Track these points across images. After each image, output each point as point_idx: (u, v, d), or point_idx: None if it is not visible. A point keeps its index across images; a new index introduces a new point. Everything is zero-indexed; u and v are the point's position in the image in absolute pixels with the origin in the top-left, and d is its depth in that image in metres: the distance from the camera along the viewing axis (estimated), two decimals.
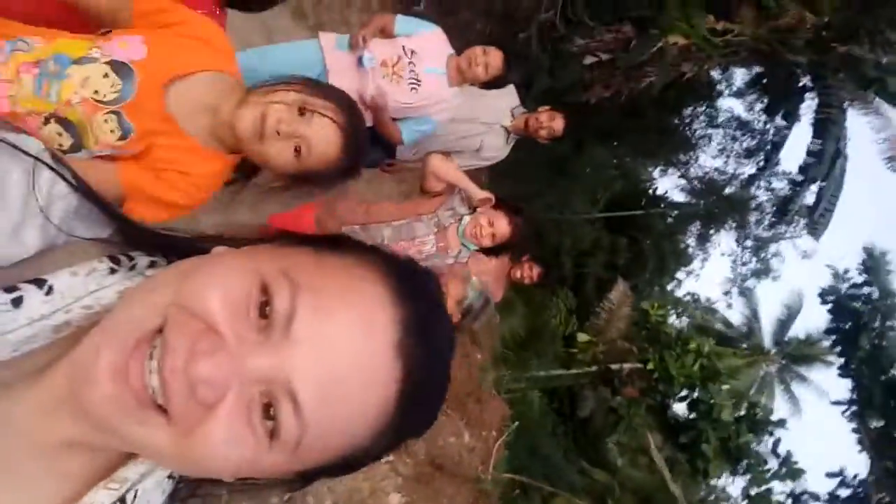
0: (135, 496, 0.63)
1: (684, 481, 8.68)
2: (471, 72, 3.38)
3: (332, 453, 0.57)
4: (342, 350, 0.53)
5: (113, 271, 0.65)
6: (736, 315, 16.14)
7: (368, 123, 3.29)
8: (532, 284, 5.06)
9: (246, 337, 0.54)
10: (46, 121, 1.51)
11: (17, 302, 0.58)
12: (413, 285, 0.59)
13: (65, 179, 0.66)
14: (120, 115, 1.53)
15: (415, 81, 3.30)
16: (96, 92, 1.51)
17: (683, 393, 10.21)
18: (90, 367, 0.53)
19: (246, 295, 0.54)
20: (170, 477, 0.64)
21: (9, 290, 0.59)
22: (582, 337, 11.34)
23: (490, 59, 3.37)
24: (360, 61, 3.25)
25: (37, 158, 0.65)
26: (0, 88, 1.48)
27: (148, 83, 1.54)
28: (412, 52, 3.33)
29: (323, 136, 1.57)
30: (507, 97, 4.01)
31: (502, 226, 3.37)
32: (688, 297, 16.59)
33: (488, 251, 3.47)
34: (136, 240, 0.69)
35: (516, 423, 8.06)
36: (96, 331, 0.57)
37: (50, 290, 0.60)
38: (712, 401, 9.86)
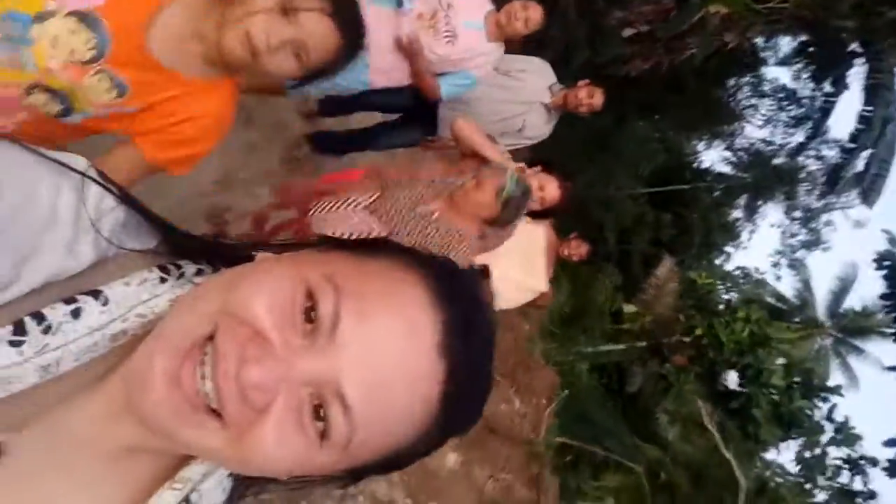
0: (199, 496, 0.66)
1: (737, 451, 8.68)
2: (510, 26, 3.36)
3: (381, 451, 0.59)
4: (386, 352, 0.56)
5: (163, 280, 0.67)
6: (787, 288, 15.90)
7: (407, 80, 3.41)
8: (580, 262, 5.16)
9: (293, 342, 0.56)
10: (29, 91, 1.44)
11: (76, 313, 0.61)
12: (453, 286, 0.61)
13: (112, 193, 0.69)
14: (109, 72, 1.46)
15: (451, 34, 3.29)
16: (72, 52, 1.41)
17: (733, 360, 10.18)
18: (145, 374, 0.56)
19: (291, 301, 0.57)
20: (229, 475, 0.67)
21: (68, 301, 0.62)
22: (629, 308, 11.39)
23: (530, 13, 3.36)
24: (398, 3, 3.22)
25: (84, 175, 0.68)
26: None
27: (121, 31, 1.45)
28: (449, 4, 3.31)
29: (317, 32, 1.47)
30: (545, 75, 4.01)
31: (552, 189, 3.35)
32: (737, 272, 16.43)
33: (535, 214, 3.45)
34: (182, 248, 0.72)
35: (566, 391, 8.22)
36: (150, 339, 0.59)
37: (106, 301, 0.63)
38: (762, 366, 9.83)
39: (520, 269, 4.08)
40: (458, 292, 0.61)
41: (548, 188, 3.35)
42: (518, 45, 4.01)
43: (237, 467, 0.62)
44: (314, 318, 0.56)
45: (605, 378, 11.18)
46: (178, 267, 0.69)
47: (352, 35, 1.54)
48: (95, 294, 0.63)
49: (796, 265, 15.51)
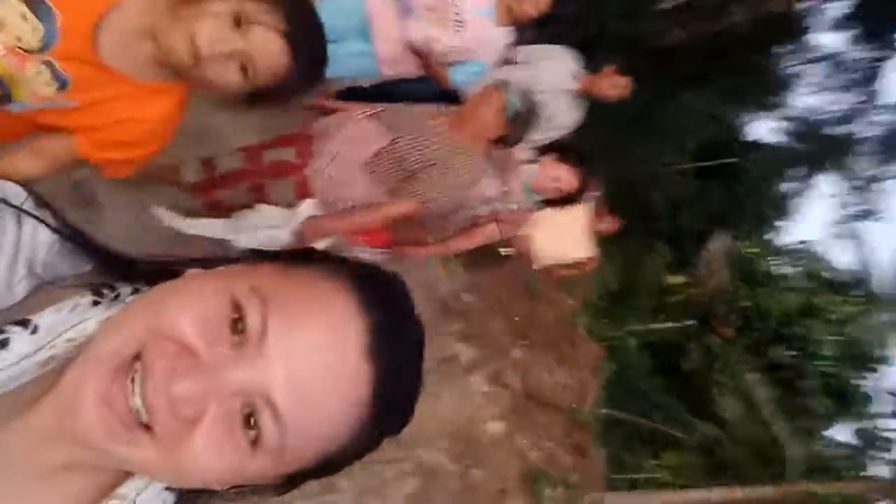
0: None
1: (787, 424, 8.56)
2: (520, 10, 3.31)
3: (314, 455, 0.60)
4: (315, 358, 0.57)
5: (96, 303, 0.68)
6: (843, 261, 15.40)
7: (418, 71, 3.38)
8: (613, 235, 5.16)
9: (222, 353, 0.57)
10: None
11: (4, 343, 0.62)
12: (379, 292, 0.63)
13: (47, 225, 0.70)
14: (52, 65, 1.40)
15: (460, 24, 3.23)
16: (19, 38, 1.36)
17: (781, 331, 10.01)
18: (76, 396, 0.56)
19: (218, 314, 0.57)
20: (168, 489, 0.67)
21: None
22: (675, 279, 11.27)
23: None
24: (406, 10, 3.20)
25: (20, 209, 0.70)
26: None
27: (72, 25, 1.38)
28: None
29: (266, 49, 1.37)
30: (568, 62, 3.93)
31: (568, 178, 3.28)
32: (791, 245, 15.99)
33: (557, 202, 3.40)
34: (116, 270, 0.72)
35: (612, 364, 8.24)
36: (79, 361, 0.59)
37: (35, 329, 0.64)
38: (812, 337, 9.64)
39: (563, 240, 4.14)
40: (384, 298, 0.63)
41: (563, 178, 3.28)
42: (544, 29, 3.89)
43: (172, 480, 0.64)
44: (242, 330, 0.57)
45: (657, 354, 11.12)
46: (113, 288, 0.70)
47: (307, 63, 1.44)
48: (24, 323, 0.64)
49: (852, 236, 15.02)
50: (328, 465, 0.63)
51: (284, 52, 1.39)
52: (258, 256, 0.67)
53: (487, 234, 3.42)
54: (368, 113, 2.94)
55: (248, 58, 1.38)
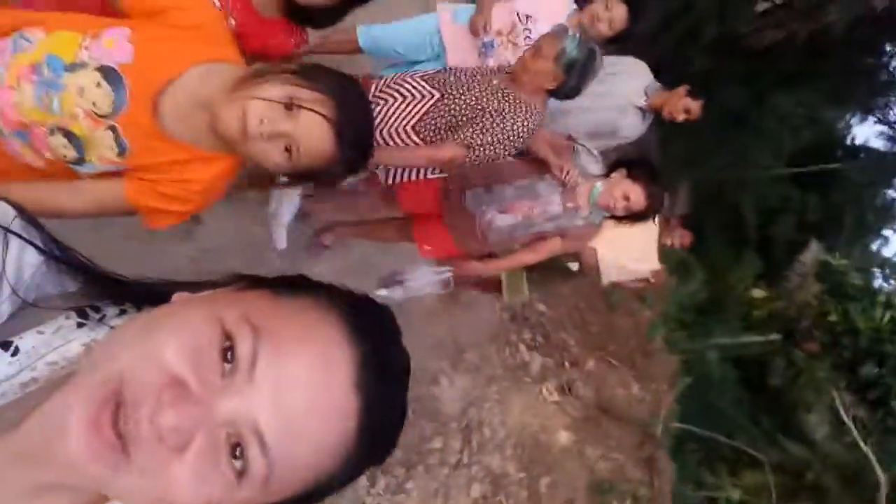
0: None
1: (878, 446, 8.02)
2: (594, 29, 3.26)
3: (299, 486, 0.60)
4: (303, 389, 0.57)
5: (81, 325, 0.67)
6: None
7: None
8: (684, 249, 4.99)
9: (211, 382, 0.56)
10: (52, 131, 1.48)
11: None
12: (368, 323, 0.63)
13: (34, 245, 0.70)
14: (116, 130, 1.48)
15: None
16: (94, 104, 1.46)
17: (871, 348, 9.40)
18: (63, 421, 0.55)
19: (208, 342, 0.57)
20: None
21: None
22: (758, 293, 10.80)
23: (614, 13, 3.27)
24: (483, 47, 3.20)
25: (7, 230, 0.69)
26: (4, 96, 1.44)
27: (139, 92, 1.47)
28: (527, 16, 3.27)
29: (311, 134, 1.44)
30: (640, 75, 3.86)
31: (638, 198, 3.17)
32: (891, 258, 14.94)
33: (623, 218, 3.30)
34: (103, 291, 0.72)
35: (688, 378, 8.02)
36: (67, 387, 0.59)
37: (16, 351, 0.64)
38: None
39: (630, 252, 4.08)
40: (372, 328, 0.63)
41: (633, 197, 3.17)
42: (619, 46, 3.76)
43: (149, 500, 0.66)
44: (232, 359, 0.57)
45: (741, 369, 10.68)
46: (98, 310, 0.70)
47: (351, 152, 1.51)
48: (5, 345, 0.64)
49: None
50: (311, 495, 0.62)
51: (330, 140, 1.46)
52: (248, 282, 0.66)
53: (551, 248, 3.37)
54: (420, 74, 2.93)
55: (294, 140, 1.45)
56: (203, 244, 3.32)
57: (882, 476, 7.39)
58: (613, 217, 3.32)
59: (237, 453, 0.56)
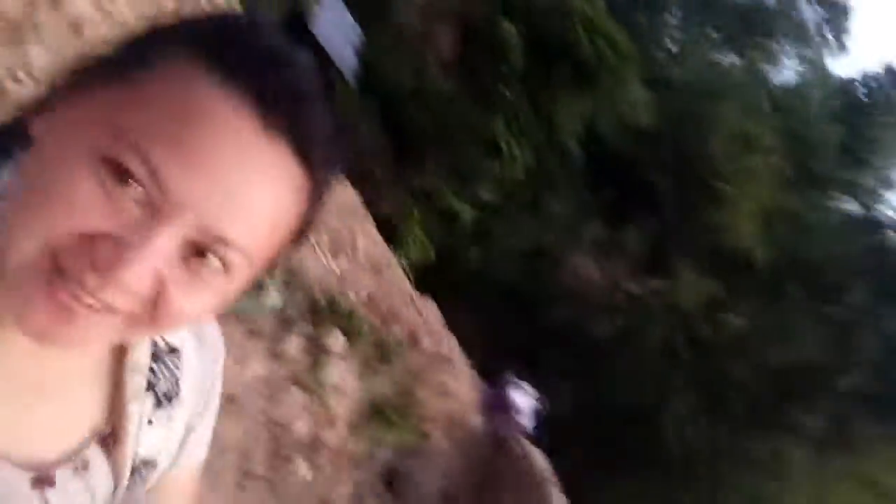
0: (162, 337, 0.69)
1: None
2: None
3: (281, 240, 0.58)
4: (224, 175, 0.52)
5: None
6: None
7: None
8: None
9: (132, 219, 0.52)
10: None
11: None
12: (239, 53, 0.54)
13: None
14: None
15: None
16: None
17: None
18: (29, 320, 0.53)
19: (100, 182, 0.52)
20: None
21: None
22: None
23: None
24: None
25: None
26: None
27: None
28: None
29: None
30: None
31: None
32: None
33: None
34: None
35: None
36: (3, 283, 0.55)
37: None
38: None
39: None
40: (247, 56, 0.54)
41: None
42: None
43: (167, 332, 0.69)
44: (131, 182, 0.51)
45: None
46: None
47: None
48: None
49: None
50: (301, 234, 0.61)
51: None
52: (95, 75, 0.56)
53: None
54: None
55: None
56: None
57: None
58: None
59: (209, 259, 0.54)
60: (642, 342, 11.61)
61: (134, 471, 0.70)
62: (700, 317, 11.40)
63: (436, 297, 7.68)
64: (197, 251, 0.54)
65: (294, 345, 5.77)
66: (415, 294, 7.21)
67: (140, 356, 0.68)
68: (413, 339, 6.70)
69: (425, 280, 8.01)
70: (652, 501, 10.70)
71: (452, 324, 7.76)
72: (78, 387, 0.65)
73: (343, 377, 6.28)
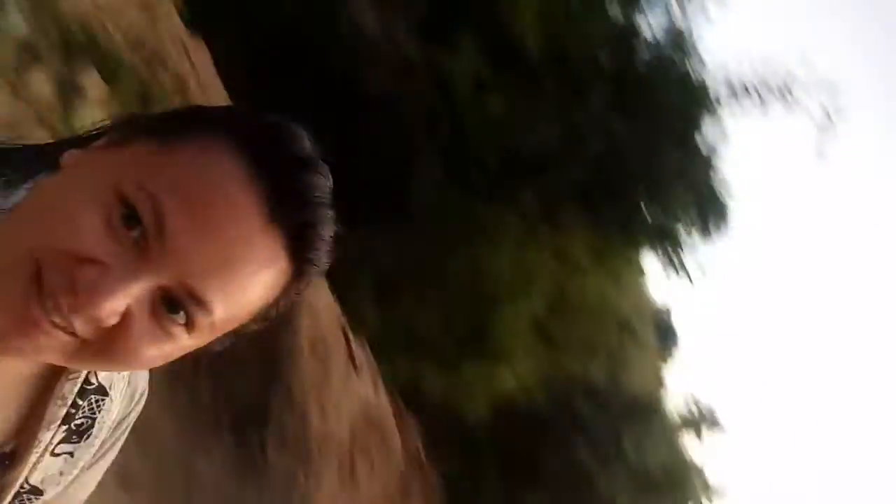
0: (96, 374, 0.69)
1: None
2: None
3: (247, 315, 0.61)
4: (220, 237, 0.55)
5: None
6: None
7: None
8: None
9: (124, 255, 0.54)
10: None
11: None
12: (271, 151, 0.59)
13: None
14: None
15: None
16: None
17: None
18: None
19: (107, 215, 0.55)
20: None
21: None
22: None
23: None
24: None
25: None
26: None
27: None
28: None
29: None
30: None
31: None
32: None
33: None
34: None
35: None
36: None
37: None
38: None
39: None
40: (277, 153, 0.60)
41: None
42: None
43: (115, 371, 0.70)
44: (137, 224, 0.55)
45: None
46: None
47: None
48: None
49: None
50: (264, 317, 0.63)
51: None
52: (134, 129, 0.61)
53: None
54: None
55: None
56: None
57: None
58: None
59: (177, 311, 0.57)
60: (407, 107, 12.05)
61: (17, 495, 0.71)
62: (466, 94, 12.01)
63: (209, 38, 7.08)
64: (169, 302, 0.56)
65: (41, 82, 5.14)
66: (187, 36, 6.57)
67: (69, 387, 0.69)
68: (181, 88, 6.27)
69: (198, 15, 7.25)
70: (388, 253, 11.92)
71: (225, 69, 7.32)
72: None
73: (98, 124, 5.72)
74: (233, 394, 6.45)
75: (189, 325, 0.57)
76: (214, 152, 0.57)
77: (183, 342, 0.59)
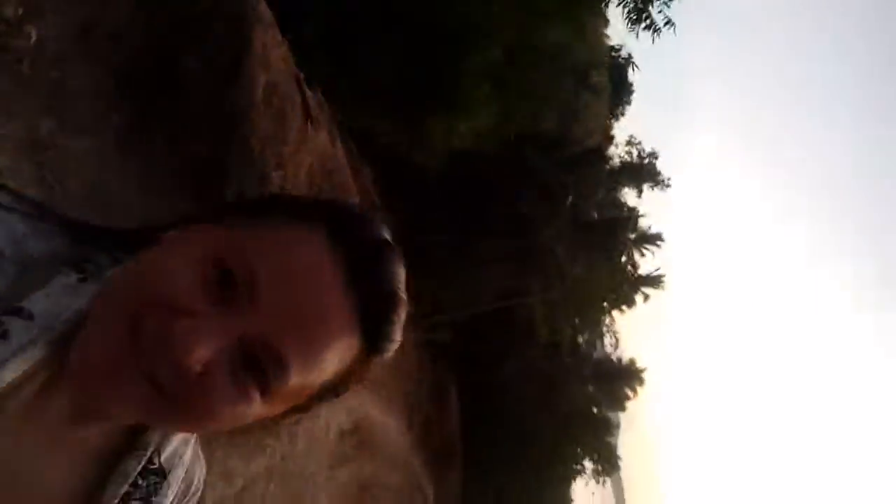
0: (159, 455, 0.72)
1: None
2: None
3: (318, 387, 0.64)
4: (302, 300, 0.60)
5: (82, 280, 0.66)
6: None
7: None
8: None
9: (216, 308, 0.59)
10: None
11: (3, 335, 0.60)
12: (348, 232, 0.65)
13: (16, 210, 0.68)
14: None
15: None
16: None
17: None
18: (89, 377, 0.58)
19: (203, 274, 0.59)
20: None
21: None
22: None
23: None
24: None
25: None
26: None
27: None
28: None
29: None
30: None
31: None
32: None
33: None
34: (92, 243, 0.71)
35: None
36: (80, 341, 0.60)
37: (30, 315, 0.62)
38: None
39: None
40: (353, 232, 0.65)
41: None
42: None
43: (186, 431, 0.73)
44: (229, 286, 0.59)
45: None
46: (94, 262, 0.69)
47: None
48: (18, 311, 0.62)
49: None
50: (332, 391, 0.67)
51: None
52: (227, 212, 0.67)
53: None
54: None
55: None
56: None
57: None
58: None
59: (256, 372, 0.60)
60: None
61: None
62: None
63: None
64: (249, 360, 0.60)
65: None
66: None
67: (132, 465, 0.71)
68: None
69: None
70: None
71: None
72: (60, 471, 0.67)
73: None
74: (189, 154, 6.19)
75: (264, 387, 0.60)
76: (305, 232, 0.63)
77: (256, 407, 0.62)
